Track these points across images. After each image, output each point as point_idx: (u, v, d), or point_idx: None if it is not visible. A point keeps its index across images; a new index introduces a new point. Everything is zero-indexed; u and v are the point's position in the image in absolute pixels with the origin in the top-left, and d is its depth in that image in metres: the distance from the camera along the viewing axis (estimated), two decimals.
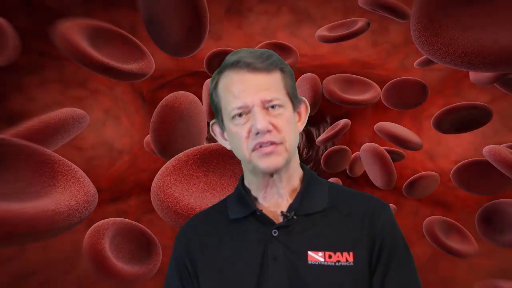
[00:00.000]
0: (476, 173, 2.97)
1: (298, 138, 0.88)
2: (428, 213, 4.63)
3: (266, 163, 0.80)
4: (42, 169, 1.62)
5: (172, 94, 2.41)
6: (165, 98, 2.39)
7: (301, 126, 0.89)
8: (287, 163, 0.84)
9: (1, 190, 1.48)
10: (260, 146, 0.80)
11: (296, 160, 0.89)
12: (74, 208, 1.48)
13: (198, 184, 1.76)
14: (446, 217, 3.41)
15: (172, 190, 1.67)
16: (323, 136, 4.71)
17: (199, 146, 1.92)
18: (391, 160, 3.36)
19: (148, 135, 2.79)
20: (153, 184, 1.73)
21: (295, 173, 0.89)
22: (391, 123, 3.78)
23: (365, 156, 3.49)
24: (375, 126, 3.63)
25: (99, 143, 4.48)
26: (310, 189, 0.88)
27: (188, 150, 1.90)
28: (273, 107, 0.80)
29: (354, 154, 4.84)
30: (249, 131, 0.80)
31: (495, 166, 2.32)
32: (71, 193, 1.56)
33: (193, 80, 5.91)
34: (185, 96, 2.42)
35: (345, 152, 4.86)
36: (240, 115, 0.81)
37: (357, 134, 6.89)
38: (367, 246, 0.81)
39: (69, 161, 1.72)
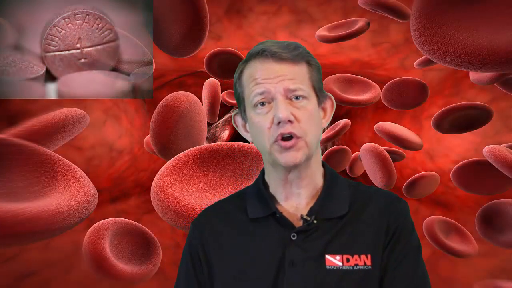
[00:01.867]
0: (476, 173, 2.97)
1: (321, 135, 0.85)
2: (428, 213, 4.63)
3: (285, 158, 0.78)
4: (42, 169, 1.62)
5: (172, 94, 2.41)
6: (165, 98, 2.39)
7: (325, 122, 0.86)
8: (308, 159, 0.81)
9: (1, 190, 1.48)
10: (281, 139, 0.78)
11: (318, 158, 0.87)
12: (74, 208, 1.48)
13: (198, 184, 1.76)
14: (446, 217, 3.41)
15: (172, 190, 1.67)
16: (323, 136, 4.71)
17: (199, 146, 1.92)
18: (391, 160, 3.36)
19: (148, 135, 2.79)
20: (153, 184, 1.73)
21: (317, 171, 0.87)
22: (391, 123, 3.78)
23: (365, 156, 3.49)
24: (375, 126, 3.63)
25: (99, 143, 4.48)
26: (332, 191, 0.86)
27: (188, 150, 1.90)
28: (296, 98, 0.78)
29: (354, 154, 4.84)
30: (272, 122, 0.78)
31: (495, 166, 2.32)
32: (71, 193, 1.56)
33: (193, 80, 5.91)
34: (185, 96, 2.42)
35: (345, 152, 4.86)
36: (262, 104, 0.79)
37: (357, 134, 6.90)
38: (383, 241, 0.80)
39: (69, 161, 1.72)
